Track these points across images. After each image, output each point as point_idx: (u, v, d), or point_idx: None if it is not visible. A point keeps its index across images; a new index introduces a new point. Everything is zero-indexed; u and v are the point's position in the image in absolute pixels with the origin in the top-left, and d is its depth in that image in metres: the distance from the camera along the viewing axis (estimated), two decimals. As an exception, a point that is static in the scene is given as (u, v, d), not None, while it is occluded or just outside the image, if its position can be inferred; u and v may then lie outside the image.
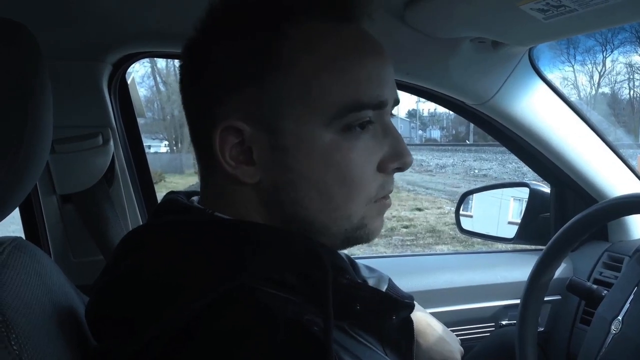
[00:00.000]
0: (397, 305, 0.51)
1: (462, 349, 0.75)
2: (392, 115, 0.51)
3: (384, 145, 0.49)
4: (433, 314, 0.79)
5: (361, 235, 0.50)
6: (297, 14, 0.45)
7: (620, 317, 0.85)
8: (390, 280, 0.71)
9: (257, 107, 0.45)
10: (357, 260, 0.69)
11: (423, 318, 0.73)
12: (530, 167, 1.30)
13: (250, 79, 0.45)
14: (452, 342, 0.74)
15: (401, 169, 0.50)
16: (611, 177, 1.19)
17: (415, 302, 0.57)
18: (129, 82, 1.13)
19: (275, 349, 0.38)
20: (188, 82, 0.49)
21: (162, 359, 0.39)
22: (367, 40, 0.48)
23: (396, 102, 0.51)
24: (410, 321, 0.54)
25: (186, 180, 11.29)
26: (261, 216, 0.49)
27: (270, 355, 0.38)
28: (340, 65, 0.45)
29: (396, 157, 0.49)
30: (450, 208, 7.55)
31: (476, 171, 12.06)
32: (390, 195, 0.52)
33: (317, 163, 0.45)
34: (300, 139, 0.45)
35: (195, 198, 0.54)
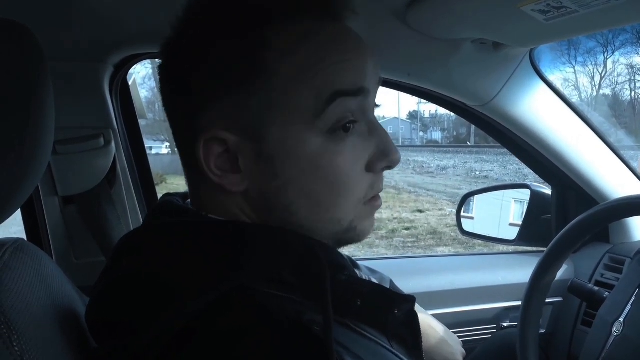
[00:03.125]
0: (397, 298, 0.51)
1: (463, 350, 0.75)
2: (376, 105, 0.50)
3: (371, 144, 0.48)
4: (434, 315, 0.79)
5: (352, 237, 0.50)
6: (278, 17, 0.44)
7: (621, 319, 0.85)
8: (391, 281, 0.71)
9: (240, 115, 0.44)
10: (358, 262, 0.69)
11: (424, 319, 0.73)
12: (531, 169, 1.30)
13: (232, 87, 0.44)
14: (454, 344, 0.74)
15: (389, 167, 0.49)
16: (612, 179, 1.19)
17: (416, 304, 0.57)
18: (130, 83, 1.13)
19: (275, 350, 0.38)
20: (169, 89, 0.48)
21: None
22: (348, 36, 0.47)
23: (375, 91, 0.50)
24: (415, 315, 0.54)
25: (187, 181, 11.26)
26: (253, 221, 0.49)
27: (270, 356, 0.38)
28: (320, 64, 0.44)
29: (383, 156, 0.48)
30: (451, 210, 7.54)
31: (477, 173, 12.05)
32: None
33: (304, 169, 0.45)
34: (285, 146, 0.44)
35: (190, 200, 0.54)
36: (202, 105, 0.45)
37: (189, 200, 0.53)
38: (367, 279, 0.57)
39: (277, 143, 0.44)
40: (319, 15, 0.46)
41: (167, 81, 0.49)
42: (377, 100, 0.51)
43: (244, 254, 0.44)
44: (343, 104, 0.44)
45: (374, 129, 0.48)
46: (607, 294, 0.93)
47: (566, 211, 1.29)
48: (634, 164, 1.22)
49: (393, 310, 0.51)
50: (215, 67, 0.44)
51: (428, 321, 0.74)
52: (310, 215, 0.47)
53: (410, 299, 0.52)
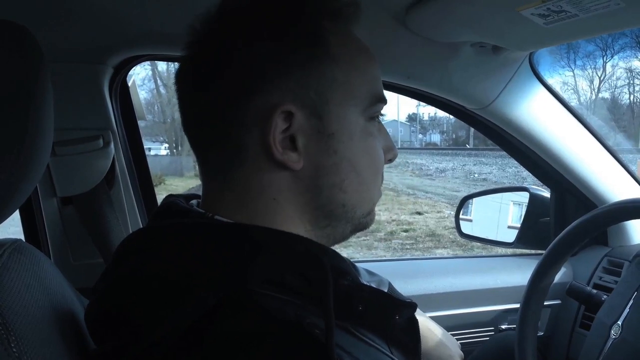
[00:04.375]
0: (399, 304, 0.51)
1: (462, 353, 0.75)
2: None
3: (382, 138, 0.54)
4: (432, 317, 0.79)
5: (367, 222, 0.54)
6: (331, 13, 0.50)
7: (619, 322, 0.85)
8: (390, 284, 0.71)
9: (304, 92, 0.47)
10: (357, 264, 0.69)
11: (423, 322, 0.73)
12: (530, 172, 1.30)
13: (297, 67, 0.47)
14: (452, 346, 0.74)
15: (391, 160, 0.56)
16: (611, 182, 1.19)
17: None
18: (129, 84, 1.13)
19: (277, 353, 0.38)
20: (212, 76, 0.48)
21: None
22: (364, 43, 0.53)
23: None
24: (416, 321, 0.54)
25: (186, 182, 11.29)
26: (292, 205, 0.49)
27: (272, 358, 0.38)
28: (362, 61, 0.51)
29: (390, 149, 0.55)
30: (450, 212, 7.54)
31: (476, 175, 12.06)
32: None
33: (357, 146, 0.50)
34: (343, 123, 0.49)
35: (194, 202, 0.54)
36: (264, 85, 0.46)
37: (192, 201, 0.53)
38: (367, 282, 0.57)
39: (337, 120, 0.48)
40: (350, 20, 0.51)
41: (205, 69, 0.48)
42: None
43: (246, 258, 0.44)
44: (381, 104, 0.52)
45: (381, 127, 0.55)
46: (605, 297, 0.93)
47: (565, 214, 1.29)
48: (633, 167, 1.23)
49: (394, 316, 0.51)
50: (280, 51, 0.47)
51: (426, 324, 0.74)
52: (355, 193, 0.51)
53: (411, 305, 0.52)
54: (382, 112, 0.54)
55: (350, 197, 0.51)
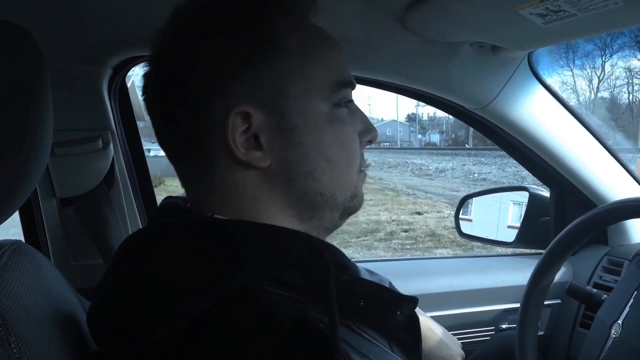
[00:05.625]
0: (400, 299, 0.51)
1: (462, 352, 0.75)
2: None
3: (357, 120, 0.55)
4: (433, 317, 0.79)
5: (354, 205, 0.55)
6: (282, 7, 0.50)
7: (620, 321, 0.85)
8: (390, 283, 0.71)
9: (260, 90, 0.47)
10: (357, 264, 0.69)
11: (423, 321, 0.73)
12: (529, 171, 1.30)
13: (250, 66, 0.47)
14: (453, 346, 0.74)
15: (371, 141, 0.56)
16: (610, 181, 1.19)
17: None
18: (128, 85, 1.13)
19: (282, 348, 0.39)
20: (170, 85, 0.49)
21: None
22: (324, 31, 0.53)
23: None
24: (417, 318, 0.55)
25: (186, 183, 11.24)
26: (272, 201, 0.50)
27: (277, 354, 0.38)
28: (320, 50, 0.51)
29: (368, 131, 0.56)
30: (449, 212, 7.54)
31: (475, 175, 12.06)
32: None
33: (323, 135, 0.50)
34: (305, 114, 0.49)
35: None
36: (219, 88, 0.47)
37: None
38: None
39: (298, 113, 0.49)
40: (303, 12, 0.51)
41: (163, 79, 0.49)
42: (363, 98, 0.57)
43: (247, 253, 0.44)
44: (347, 90, 0.52)
45: (355, 110, 0.55)
46: (605, 296, 0.93)
47: (564, 214, 1.29)
48: (632, 167, 1.23)
49: (396, 312, 0.51)
50: (232, 51, 0.47)
51: (427, 323, 0.74)
52: (330, 181, 0.51)
53: (413, 300, 0.52)
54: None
55: (326, 186, 0.51)
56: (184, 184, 0.53)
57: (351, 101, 0.54)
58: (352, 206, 0.54)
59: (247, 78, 0.47)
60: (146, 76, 0.51)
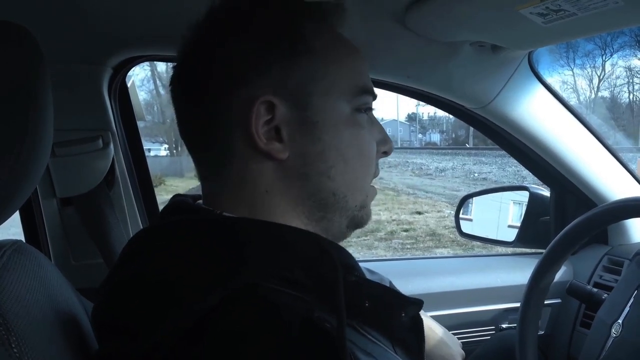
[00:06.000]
0: (405, 301, 0.51)
1: (462, 352, 0.75)
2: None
3: (375, 131, 0.55)
4: (433, 317, 0.79)
5: (362, 216, 0.55)
6: (312, 14, 0.52)
7: (620, 321, 0.85)
8: (390, 283, 0.71)
9: (286, 85, 0.49)
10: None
11: (424, 321, 0.73)
12: (530, 171, 1.30)
13: (278, 62, 0.49)
14: (453, 345, 0.74)
15: (387, 153, 0.57)
16: (611, 181, 1.19)
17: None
18: (129, 85, 1.13)
19: (286, 347, 0.38)
20: (199, 74, 0.50)
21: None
22: (350, 40, 0.54)
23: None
24: (420, 320, 0.55)
25: (186, 183, 11.27)
26: (284, 196, 0.50)
27: (282, 353, 0.38)
28: (345, 54, 0.52)
29: (385, 142, 0.56)
30: (450, 211, 7.54)
31: (476, 175, 12.06)
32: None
33: (343, 134, 0.51)
34: (327, 112, 0.50)
35: (200, 202, 0.54)
36: (247, 79, 0.48)
37: (199, 202, 0.54)
38: None
39: (320, 110, 0.50)
40: (333, 19, 0.53)
41: (192, 70, 0.51)
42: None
43: (252, 252, 0.44)
44: (369, 97, 0.53)
45: (375, 120, 0.56)
46: (605, 295, 0.93)
47: (565, 213, 1.29)
48: (632, 166, 1.23)
49: (401, 314, 0.51)
50: (263, 47, 0.49)
51: (427, 323, 0.74)
52: (344, 181, 0.52)
53: (418, 302, 0.52)
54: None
55: (339, 185, 0.51)
56: (201, 176, 0.54)
57: (371, 109, 0.55)
58: (359, 217, 0.55)
59: (275, 73, 0.48)
60: (175, 68, 0.53)
